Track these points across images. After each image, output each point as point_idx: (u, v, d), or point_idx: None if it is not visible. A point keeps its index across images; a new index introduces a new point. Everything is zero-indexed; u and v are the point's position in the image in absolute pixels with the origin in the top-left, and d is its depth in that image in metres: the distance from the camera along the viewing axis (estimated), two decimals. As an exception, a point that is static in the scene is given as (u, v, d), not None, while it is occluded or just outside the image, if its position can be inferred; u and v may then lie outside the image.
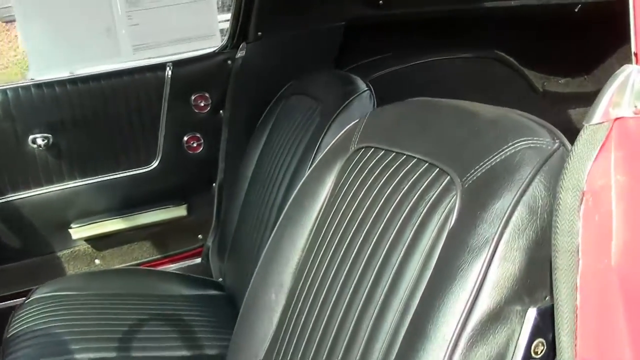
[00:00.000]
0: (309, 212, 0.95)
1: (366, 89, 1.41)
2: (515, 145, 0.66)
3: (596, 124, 0.56)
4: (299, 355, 0.87)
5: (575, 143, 0.57)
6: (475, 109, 0.80)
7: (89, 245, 1.80)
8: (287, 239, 0.97)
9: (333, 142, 1.01)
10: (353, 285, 0.80)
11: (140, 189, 1.80)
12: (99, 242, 1.81)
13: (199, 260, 1.89)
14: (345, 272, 0.83)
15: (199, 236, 1.91)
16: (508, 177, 0.64)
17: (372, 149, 0.90)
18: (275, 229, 1.01)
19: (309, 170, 1.02)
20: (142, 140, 1.77)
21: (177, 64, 1.76)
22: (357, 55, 2.00)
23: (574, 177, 0.56)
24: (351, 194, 0.88)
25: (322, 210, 0.94)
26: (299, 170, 1.39)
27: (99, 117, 1.73)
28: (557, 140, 0.65)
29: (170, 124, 1.77)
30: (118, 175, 1.79)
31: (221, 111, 1.81)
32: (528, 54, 2.23)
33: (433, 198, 0.74)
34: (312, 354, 0.84)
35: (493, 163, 0.66)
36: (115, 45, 2.20)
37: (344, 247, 0.85)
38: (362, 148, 0.91)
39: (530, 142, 0.65)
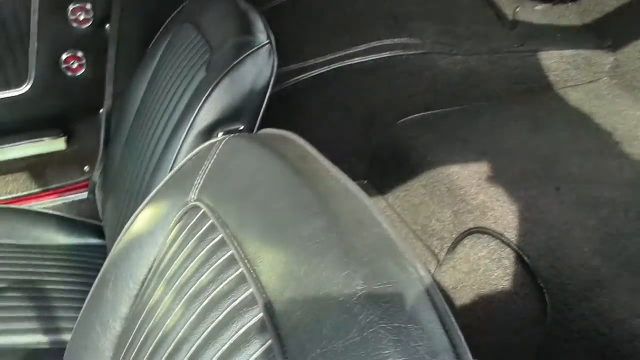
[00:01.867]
0: (136, 273, 0.84)
1: (266, 41, 1.23)
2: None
3: None
4: None
5: None
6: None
7: (-46, 176, 1.67)
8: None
9: (181, 166, 0.87)
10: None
11: (9, 117, 1.62)
12: (-35, 172, 1.67)
13: (85, 195, 1.77)
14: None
15: (85, 168, 1.78)
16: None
17: (202, 210, 0.77)
18: (95, 285, 0.90)
19: (146, 208, 0.88)
20: (9, 58, 1.57)
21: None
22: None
23: None
24: (172, 268, 0.76)
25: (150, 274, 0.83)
26: (179, 127, 1.25)
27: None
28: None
29: (44, 40, 1.56)
30: (-19, 99, 1.61)
31: (107, 26, 1.60)
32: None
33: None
34: None
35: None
36: None
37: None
38: (198, 205, 0.78)
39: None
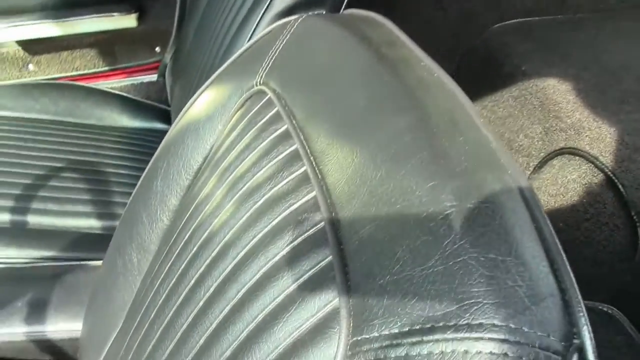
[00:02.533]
0: (187, 167, 0.75)
1: None
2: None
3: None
4: (162, 325, 0.74)
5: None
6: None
7: (20, 48, 1.61)
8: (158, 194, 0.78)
9: (249, 46, 0.77)
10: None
11: (80, -12, 1.54)
12: (32, 46, 1.60)
13: (154, 77, 1.70)
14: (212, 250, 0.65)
15: (156, 49, 1.70)
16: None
17: (268, 96, 0.66)
18: (146, 172, 0.82)
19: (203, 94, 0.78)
20: None
21: None
22: None
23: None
24: (231, 158, 0.67)
25: (206, 162, 0.74)
26: (256, 7, 1.14)
27: None
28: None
29: None
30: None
31: None
32: None
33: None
34: (175, 325, 0.71)
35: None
36: None
37: (219, 217, 0.67)
38: (264, 90, 0.67)
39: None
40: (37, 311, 0.98)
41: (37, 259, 1.15)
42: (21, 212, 1.21)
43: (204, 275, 0.58)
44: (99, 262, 1.06)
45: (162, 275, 0.70)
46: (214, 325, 0.53)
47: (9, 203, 1.22)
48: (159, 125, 1.55)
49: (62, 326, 0.98)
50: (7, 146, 1.35)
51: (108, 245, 0.98)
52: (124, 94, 1.60)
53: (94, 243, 1.18)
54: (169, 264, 0.70)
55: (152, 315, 0.68)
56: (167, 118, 1.56)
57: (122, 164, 1.38)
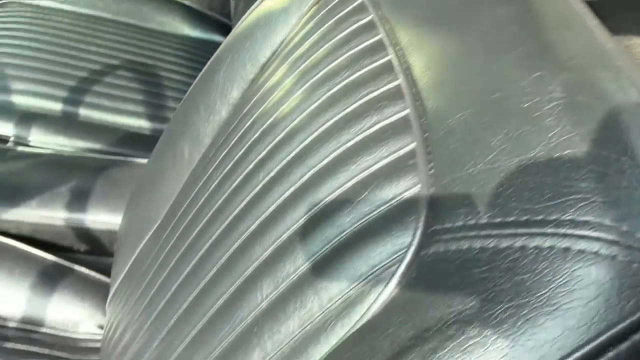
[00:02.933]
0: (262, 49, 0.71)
1: None
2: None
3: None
4: (211, 212, 0.71)
5: None
6: None
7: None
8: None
9: None
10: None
11: None
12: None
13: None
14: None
15: (225, -40, 1.65)
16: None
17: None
18: (207, 67, 0.78)
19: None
20: None
21: None
22: None
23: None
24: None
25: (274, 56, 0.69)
26: None
27: None
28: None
29: None
30: None
31: None
32: None
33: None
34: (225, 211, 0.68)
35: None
36: None
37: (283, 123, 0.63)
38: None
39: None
40: (79, 200, 0.97)
41: (84, 149, 1.14)
42: (74, 103, 1.19)
43: (264, 160, 0.55)
44: (144, 161, 1.04)
45: (215, 165, 0.67)
46: (270, 209, 0.50)
47: (63, 94, 1.20)
48: (218, 38, 1.51)
49: (102, 217, 0.96)
50: (67, 38, 1.33)
51: (154, 147, 0.95)
52: (188, 3, 1.56)
53: (141, 143, 1.16)
54: (224, 153, 0.67)
55: (200, 204, 0.66)
56: (227, 31, 1.52)
57: (178, 70, 1.35)
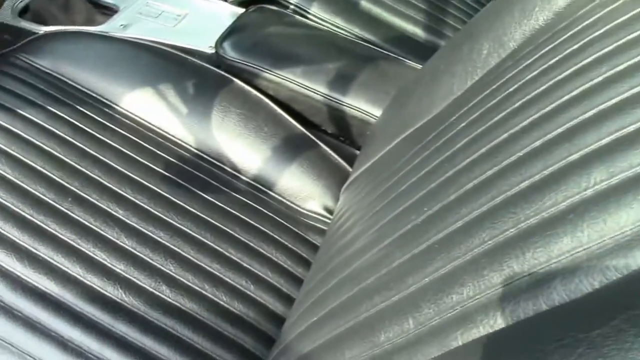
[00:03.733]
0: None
1: None
2: None
3: None
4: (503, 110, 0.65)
5: None
6: None
7: None
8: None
9: None
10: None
11: None
12: None
13: None
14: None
15: None
16: None
17: None
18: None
19: None
20: None
21: None
22: None
23: None
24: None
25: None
26: None
27: None
28: None
29: None
30: None
31: None
32: None
33: None
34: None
35: None
36: None
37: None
38: None
39: None
40: (342, 81, 0.95)
41: (358, 37, 1.12)
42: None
43: (582, 70, 0.47)
44: (414, 64, 1.00)
45: (513, 73, 0.61)
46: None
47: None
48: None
49: (360, 104, 0.93)
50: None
51: (424, 57, 0.90)
52: None
53: (413, 48, 1.12)
54: (529, 61, 0.60)
55: (478, 114, 0.60)
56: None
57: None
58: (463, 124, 0.61)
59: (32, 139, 0.81)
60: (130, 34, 1.07)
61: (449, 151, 0.59)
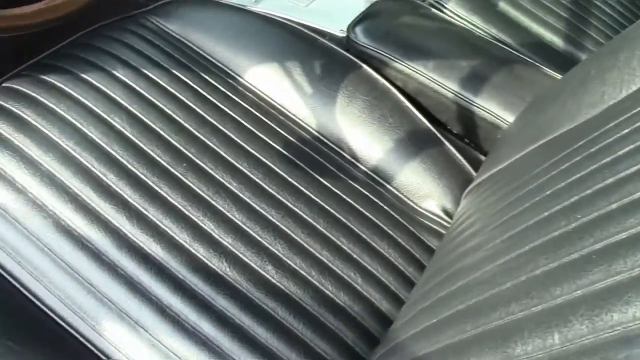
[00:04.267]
0: None
1: None
2: None
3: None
4: None
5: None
6: None
7: None
8: None
9: None
10: None
11: None
12: None
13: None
14: None
15: None
16: None
17: None
18: None
19: None
20: None
21: None
22: None
23: None
24: None
25: None
26: None
27: None
28: None
29: None
30: None
31: None
32: None
33: None
34: None
35: None
36: None
37: None
38: None
39: None
40: (475, 80, 0.90)
41: (494, 38, 1.07)
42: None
43: None
44: (551, 72, 0.94)
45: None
46: None
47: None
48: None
49: (492, 107, 0.88)
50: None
51: (561, 66, 0.85)
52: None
53: (550, 56, 1.06)
54: None
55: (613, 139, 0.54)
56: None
57: (613, 3, 1.21)
58: (626, 131, 0.55)
59: (154, 100, 0.80)
60: (261, 8, 1.06)
61: (607, 158, 0.53)
